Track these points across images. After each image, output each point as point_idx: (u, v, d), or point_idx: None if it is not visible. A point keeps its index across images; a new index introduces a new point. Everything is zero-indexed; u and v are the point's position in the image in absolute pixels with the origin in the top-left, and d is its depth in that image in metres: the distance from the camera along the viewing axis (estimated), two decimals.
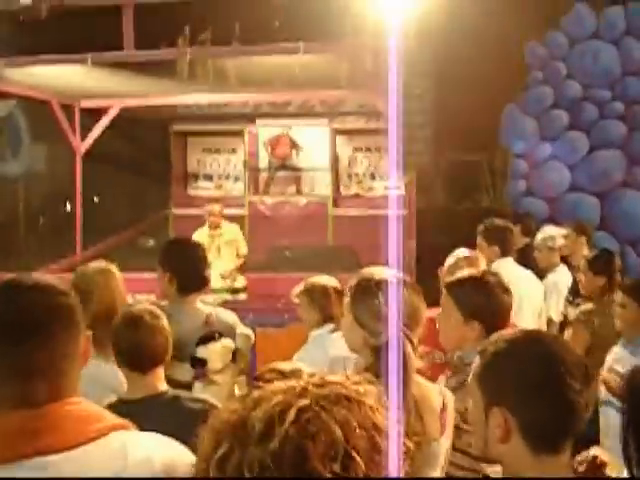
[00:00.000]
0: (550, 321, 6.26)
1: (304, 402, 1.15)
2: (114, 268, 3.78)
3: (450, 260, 4.52)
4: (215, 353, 3.84)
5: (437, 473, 2.51)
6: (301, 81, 10.04)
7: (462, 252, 4.48)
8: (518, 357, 1.85)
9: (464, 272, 3.48)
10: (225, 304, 8.26)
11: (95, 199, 14.33)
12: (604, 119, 9.05)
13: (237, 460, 1.13)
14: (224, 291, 9.47)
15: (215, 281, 9.42)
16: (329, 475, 1.10)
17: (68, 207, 13.70)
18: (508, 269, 5.50)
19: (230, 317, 4.19)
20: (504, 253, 5.73)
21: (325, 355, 3.92)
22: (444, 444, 2.54)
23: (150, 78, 9.76)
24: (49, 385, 1.67)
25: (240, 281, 9.67)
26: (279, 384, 1.21)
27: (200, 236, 9.56)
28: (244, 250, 9.85)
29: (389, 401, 1.95)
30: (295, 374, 1.26)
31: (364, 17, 8.46)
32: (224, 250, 9.59)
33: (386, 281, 2.57)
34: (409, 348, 2.49)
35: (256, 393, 1.21)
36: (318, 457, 1.11)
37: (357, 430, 1.15)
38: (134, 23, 8.43)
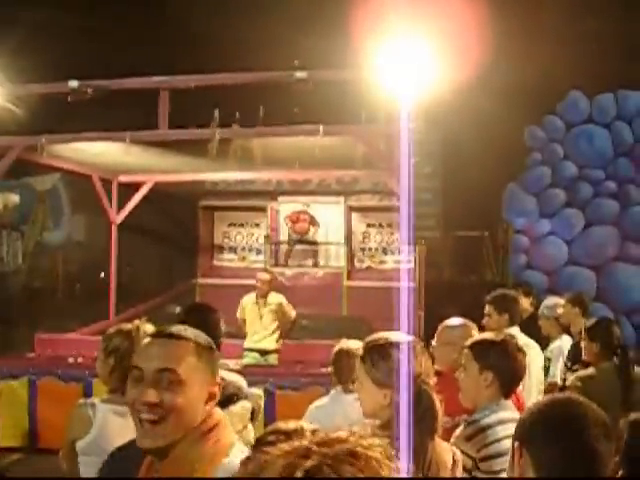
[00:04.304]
0: (554, 385, 6.16)
1: (310, 463, 1.06)
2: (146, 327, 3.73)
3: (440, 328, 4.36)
4: (235, 415, 3.80)
5: None
6: (320, 161, 10.11)
7: (453, 321, 4.33)
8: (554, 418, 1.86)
9: (484, 334, 3.49)
10: (246, 368, 8.26)
11: (128, 268, 14.38)
12: (598, 197, 9.05)
13: None
14: (256, 350, 9.45)
15: (252, 343, 9.49)
16: None
17: (102, 274, 13.75)
18: (517, 337, 5.43)
19: (238, 379, 4.16)
20: (513, 322, 5.67)
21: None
22: None
23: (182, 156, 9.88)
24: None
25: (272, 343, 9.61)
26: (283, 446, 1.11)
27: (247, 301, 9.58)
28: (291, 314, 9.77)
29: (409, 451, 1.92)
30: (298, 433, 1.17)
31: (378, 104, 8.58)
32: (267, 317, 9.57)
33: (398, 342, 2.53)
34: (435, 398, 2.42)
35: (260, 457, 1.11)
36: None
37: None
38: (169, 105, 8.57)
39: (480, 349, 3.19)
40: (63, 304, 14.15)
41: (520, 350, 3.23)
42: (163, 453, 1.99)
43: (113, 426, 3.36)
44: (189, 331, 2.13)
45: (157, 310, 12.56)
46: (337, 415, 3.86)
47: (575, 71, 10.54)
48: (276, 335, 9.66)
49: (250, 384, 7.36)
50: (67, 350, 9.07)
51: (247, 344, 9.56)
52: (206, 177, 11.98)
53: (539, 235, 9.20)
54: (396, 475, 1.10)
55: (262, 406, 4.23)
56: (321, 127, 8.41)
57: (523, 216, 9.29)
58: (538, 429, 1.84)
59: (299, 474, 1.04)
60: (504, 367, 3.12)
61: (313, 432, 1.17)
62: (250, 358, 9.35)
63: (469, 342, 3.28)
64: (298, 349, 9.45)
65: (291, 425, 1.28)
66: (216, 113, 10.08)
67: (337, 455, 1.07)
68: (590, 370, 5.39)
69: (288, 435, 1.16)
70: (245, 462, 1.15)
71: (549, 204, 9.19)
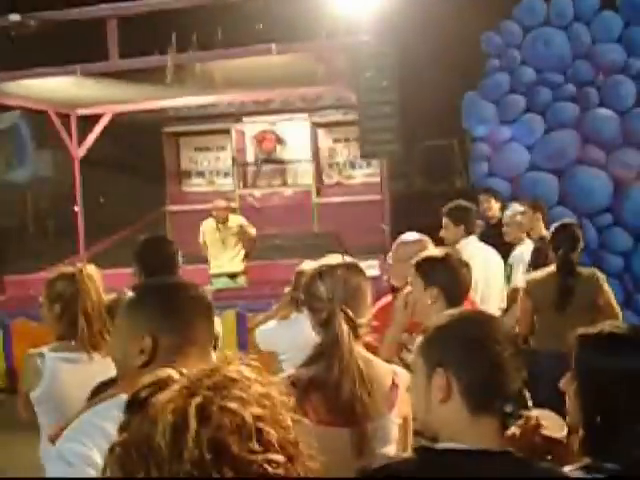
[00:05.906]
0: (516, 290, 6.22)
1: (198, 399, 1.07)
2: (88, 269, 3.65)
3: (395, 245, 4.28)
4: None
5: (389, 448, 2.43)
6: (281, 80, 9.97)
7: (408, 237, 4.26)
8: (456, 331, 1.89)
9: (429, 252, 3.51)
10: (218, 292, 8.26)
11: (98, 201, 14.25)
12: (557, 101, 8.92)
13: None
14: (224, 275, 9.44)
15: (218, 268, 9.46)
16: (252, 457, 1.04)
17: (76, 209, 13.64)
18: (474, 248, 5.56)
19: None
20: (468, 232, 5.78)
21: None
22: (393, 420, 2.45)
23: (139, 85, 9.66)
24: None
25: (239, 265, 9.58)
26: (165, 393, 1.11)
27: (207, 227, 9.54)
28: (252, 233, 9.50)
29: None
30: (168, 380, 1.15)
31: (335, 19, 8.41)
32: (230, 241, 9.45)
33: (329, 266, 2.56)
34: (343, 325, 2.42)
35: (148, 411, 1.10)
36: (236, 443, 1.04)
37: (255, 403, 1.09)
38: (119, 34, 8.33)
39: (424, 266, 3.25)
40: (33, 242, 14.04)
41: (464, 264, 3.27)
42: None
43: (64, 374, 3.35)
44: None
45: (127, 241, 12.50)
46: (298, 337, 3.87)
47: None
48: (241, 256, 9.60)
49: (222, 308, 7.41)
50: (38, 290, 9.03)
51: (213, 270, 9.52)
52: (167, 104, 11.73)
53: (499, 142, 9.12)
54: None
55: (220, 333, 4.16)
56: (274, 46, 8.28)
57: (482, 124, 9.18)
58: (458, 351, 1.87)
59: (192, 412, 1.05)
60: (448, 282, 3.17)
61: (181, 374, 1.16)
62: (219, 283, 9.33)
63: (414, 260, 3.33)
64: (268, 269, 9.42)
65: (159, 375, 1.19)
66: (173, 38, 9.82)
67: (218, 384, 1.10)
68: (539, 274, 5.50)
69: (160, 385, 1.15)
70: (133, 418, 1.12)
71: (508, 110, 9.07)
